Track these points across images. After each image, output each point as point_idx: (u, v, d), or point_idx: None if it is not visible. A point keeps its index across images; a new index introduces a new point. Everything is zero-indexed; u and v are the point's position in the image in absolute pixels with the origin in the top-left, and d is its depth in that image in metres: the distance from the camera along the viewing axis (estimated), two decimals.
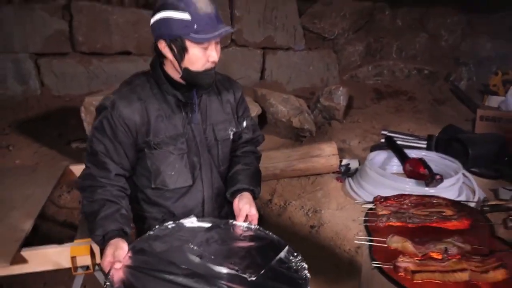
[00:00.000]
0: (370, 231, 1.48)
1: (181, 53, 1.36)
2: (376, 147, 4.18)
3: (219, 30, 1.34)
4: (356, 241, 1.44)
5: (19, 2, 4.86)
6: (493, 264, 1.26)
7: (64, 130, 4.44)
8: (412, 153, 3.58)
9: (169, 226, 1.47)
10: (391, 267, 1.27)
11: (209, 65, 1.40)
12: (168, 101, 1.47)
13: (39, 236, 2.83)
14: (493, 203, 1.66)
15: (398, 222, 1.54)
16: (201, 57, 1.37)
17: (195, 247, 1.36)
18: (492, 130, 4.30)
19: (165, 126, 1.46)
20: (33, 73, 4.90)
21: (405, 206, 1.60)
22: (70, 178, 2.46)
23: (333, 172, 3.75)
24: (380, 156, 3.77)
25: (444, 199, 1.68)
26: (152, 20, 1.37)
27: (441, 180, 3.05)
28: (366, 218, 1.56)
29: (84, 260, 1.70)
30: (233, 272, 1.25)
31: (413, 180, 3.24)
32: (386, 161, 3.75)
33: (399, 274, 1.25)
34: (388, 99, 6.15)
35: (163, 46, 1.38)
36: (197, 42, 1.33)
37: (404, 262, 1.27)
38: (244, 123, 1.69)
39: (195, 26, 1.30)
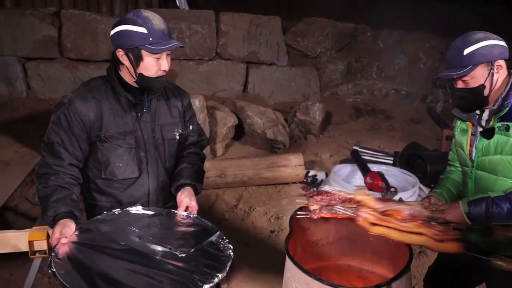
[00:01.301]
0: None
1: (137, 61, 1.57)
2: (345, 161, 4.37)
3: (171, 44, 1.58)
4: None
5: (10, 6, 5.05)
6: (452, 236, 1.33)
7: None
8: (374, 167, 3.77)
9: (116, 212, 1.65)
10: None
11: (160, 73, 1.62)
12: (120, 102, 1.67)
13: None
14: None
15: (329, 213, 1.69)
16: (154, 65, 1.59)
17: (136, 230, 1.54)
18: None
19: (116, 123, 1.65)
20: (20, 76, 5.08)
21: (333, 202, 1.76)
22: None
23: (300, 182, 3.93)
24: (345, 169, 3.96)
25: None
26: (113, 32, 1.59)
27: (395, 192, 3.25)
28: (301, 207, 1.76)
29: (41, 244, 1.85)
30: (166, 249, 1.43)
31: (372, 192, 3.43)
32: (350, 174, 3.94)
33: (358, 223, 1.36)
34: (366, 117, 6.38)
35: (121, 54, 1.59)
36: (152, 52, 1.56)
37: (365, 213, 1.37)
38: (191, 127, 1.89)
39: (151, 39, 1.54)
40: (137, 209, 1.67)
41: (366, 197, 1.50)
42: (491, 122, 1.67)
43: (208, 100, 5.01)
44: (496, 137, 1.63)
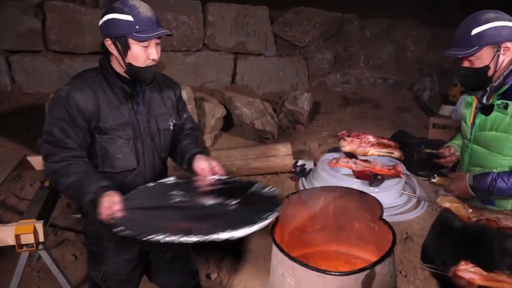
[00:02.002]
0: None
1: (124, 50, 1.56)
2: (333, 150, 4.40)
3: (158, 31, 1.56)
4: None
5: None
6: None
7: (33, 126, 4.53)
8: (361, 156, 3.80)
9: (150, 185, 1.68)
10: (447, 273, 1.15)
11: (149, 62, 1.60)
12: (115, 93, 1.65)
13: None
14: (428, 151, 2.03)
15: (345, 165, 1.82)
16: (142, 54, 1.57)
17: (179, 192, 1.59)
18: (442, 137, 4.57)
19: (113, 115, 1.63)
20: (4, 69, 5.00)
21: (363, 144, 1.86)
22: (26, 167, 2.60)
23: (289, 172, 3.95)
24: (333, 158, 3.98)
25: (394, 141, 2.01)
26: (101, 22, 1.58)
27: (382, 180, 3.29)
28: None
29: (28, 238, 1.85)
30: (216, 201, 1.50)
31: (360, 180, 3.47)
32: None
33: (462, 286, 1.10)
34: (354, 106, 6.41)
35: (109, 43, 1.57)
36: (138, 40, 1.54)
37: (467, 272, 1.10)
38: (184, 116, 1.91)
39: (137, 27, 1.52)
40: (169, 180, 1.72)
41: (455, 205, 1.43)
42: (491, 99, 1.70)
43: (196, 91, 4.99)
44: (494, 114, 1.67)
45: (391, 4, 6.96)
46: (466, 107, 1.84)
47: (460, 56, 1.64)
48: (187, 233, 1.24)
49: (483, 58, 1.62)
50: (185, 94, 4.11)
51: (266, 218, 1.30)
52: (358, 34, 7.08)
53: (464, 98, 1.87)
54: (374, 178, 3.29)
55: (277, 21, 6.52)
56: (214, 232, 1.23)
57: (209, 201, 1.48)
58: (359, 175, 3.59)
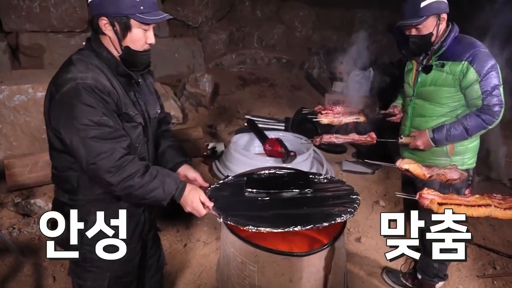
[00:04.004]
0: None
1: (124, 31, 1.41)
2: (240, 131, 4.44)
3: (162, 15, 1.45)
4: None
5: None
6: None
7: None
8: (271, 134, 3.91)
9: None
10: (416, 197, 1.47)
11: (146, 47, 1.48)
12: (119, 79, 1.47)
13: None
14: (383, 112, 2.40)
15: (328, 140, 2.21)
16: (141, 37, 1.44)
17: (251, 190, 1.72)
18: None
19: (127, 102, 1.48)
20: None
21: (336, 115, 2.29)
22: None
23: (201, 156, 3.88)
24: (243, 138, 4.02)
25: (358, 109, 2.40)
26: None
27: (295, 156, 3.42)
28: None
29: None
30: (295, 191, 1.68)
31: (272, 158, 3.56)
32: (249, 143, 4.02)
33: (426, 205, 1.43)
34: (252, 86, 6.52)
35: (104, 23, 1.39)
36: (143, 22, 1.40)
37: (430, 195, 1.44)
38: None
39: (142, 8, 1.39)
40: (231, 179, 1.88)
41: (413, 165, 1.66)
42: (430, 61, 2.11)
43: None
44: (433, 72, 2.08)
45: None
46: (408, 71, 2.25)
47: (413, 24, 2.00)
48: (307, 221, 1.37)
49: (428, 26, 2.01)
50: None
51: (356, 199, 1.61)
52: (249, 15, 7.16)
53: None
54: (286, 155, 3.41)
55: (168, 0, 6.24)
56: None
57: (288, 194, 1.66)
58: (271, 153, 3.69)
